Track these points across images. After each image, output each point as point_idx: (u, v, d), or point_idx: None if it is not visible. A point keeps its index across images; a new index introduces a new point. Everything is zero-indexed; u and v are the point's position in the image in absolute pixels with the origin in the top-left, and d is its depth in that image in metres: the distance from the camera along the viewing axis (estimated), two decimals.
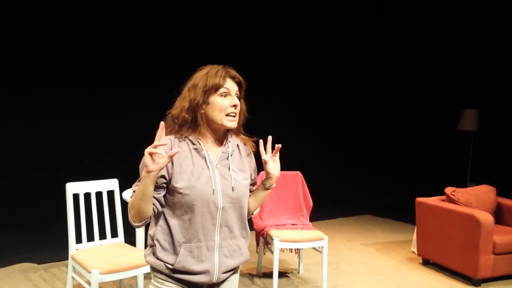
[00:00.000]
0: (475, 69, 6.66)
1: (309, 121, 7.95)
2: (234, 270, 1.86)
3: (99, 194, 3.44)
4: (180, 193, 1.69)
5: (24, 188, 5.66)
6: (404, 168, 7.71)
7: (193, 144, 1.76)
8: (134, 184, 1.76)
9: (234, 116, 1.76)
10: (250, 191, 1.95)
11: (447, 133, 6.95)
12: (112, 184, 3.53)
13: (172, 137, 1.75)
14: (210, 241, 1.74)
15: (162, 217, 1.76)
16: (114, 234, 3.51)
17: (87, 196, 3.37)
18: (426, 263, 4.79)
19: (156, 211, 1.73)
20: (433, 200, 4.70)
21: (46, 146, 5.80)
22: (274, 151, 1.85)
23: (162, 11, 6.41)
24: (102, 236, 3.43)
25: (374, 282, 4.27)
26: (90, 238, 3.37)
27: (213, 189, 1.72)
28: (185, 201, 1.70)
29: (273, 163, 1.86)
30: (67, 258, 3.35)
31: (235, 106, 1.75)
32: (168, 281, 1.75)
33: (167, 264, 1.73)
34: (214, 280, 1.77)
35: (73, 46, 5.87)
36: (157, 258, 1.75)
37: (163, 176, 1.71)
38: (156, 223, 1.77)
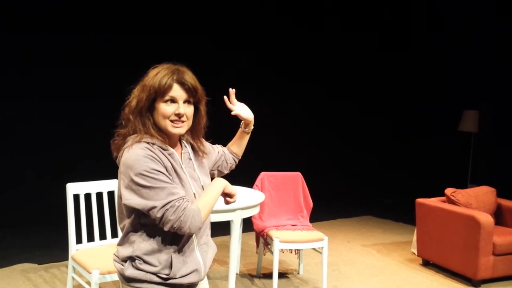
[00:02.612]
0: (475, 70, 6.66)
1: (309, 122, 7.95)
2: None
3: (99, 195, 3.44)
4: None
5: (25, 189, 5.67)
6: (404, 169, 7.71)
7: (165, 150, 1.68)
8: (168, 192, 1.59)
9: (180, 122, 1.67)
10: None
11: (447, 134, 6.96)
12: (113, 184, 3.53)
13: (143, 146, 1.63)
14: (190, 242, 1.73)
15: (143, 232, 1.67)
16: (115, 234, 3.51)
17: (88, 196, 3.37)
18: (426, 264, 4.79)
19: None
20: (433, 201, 4.70)
21: (46, 146, 5.80)
22: (230, 98, 2.00)
23: (159, 18, 6.43)
24: (103, 236, 3.44)
25: (374, 283, 4.27)
26: (91, 238, 3.37)
27: (194, 193, 1.72)
28: None
29: (240, 109, 2.01)
30: (67, 259, 3.35)
31: (178, 115, 1.66)
32: None
33: (159, 274, 1.66)
34: (202, 277, 1.77)
35: (73, 48, 5.88)
36: (141, 270, 1.66)
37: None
38: (134, 239, 1.69)
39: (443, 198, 4.72)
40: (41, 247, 4.87)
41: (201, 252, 1.76)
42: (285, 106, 7.48)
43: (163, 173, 1.61)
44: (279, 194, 4.29)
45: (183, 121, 1.68)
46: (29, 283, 3.94)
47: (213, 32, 6.76)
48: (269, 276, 4.22)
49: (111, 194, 3.51)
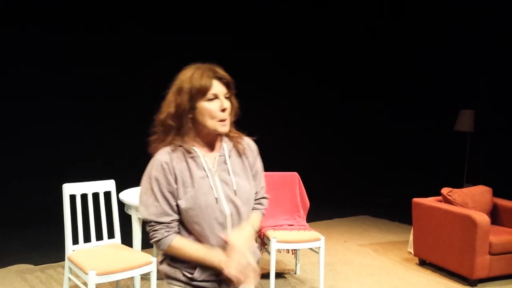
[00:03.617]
0: (471, 69, 6.68)
1: (306, 122, 7.95)
2: None
3: (96, 195, 3.43)
4: (184, 208, 1.65)
5: (21, 189, 5.65)
6: (400, 169, 7.73)
7: (189, 153, 1.69)
8: (150, 209, 1.67)
9: (225, 120, 1.69)
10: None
11: (443, 134, 6.97)
12: (109, 185, 3.52)
13: (168, 149, 1.69)
14: (223, 247, 1.68)
15: None
16: (111, 235, 3.50)
17: (84, 197, 3.36)
18: (423, 263, 4.80)
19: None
20: (430, 201, 4.71)
21: (43, 147, 5.79)
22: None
23: (161, 20, 6.43)
24: (99, 237, 3.43)
25: (371, 282, 4.28)
26: (87, 239, 3.36)
27: (215, 198, 1.67)
28: (190, 215, 1.66)
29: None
30: (63, 259, 3.34)
31: (224, 110, 1.67)
32: None
33: (185, 273, 1.69)
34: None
35: (70, 49, 5.87)
36: (173, 266, 1.72)
37: (171, 192, 1.68)
38: None
39: (440, 197, 4.72)
40: (37, 248, 4.85)
41: None
42: (281, 106, 7.48)
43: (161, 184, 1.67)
44: (276, 194, 4.29)
45: (227, 118, 1.69)
46: (25, 284, 3.92)
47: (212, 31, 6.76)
48: (266, 276, 4.22)
49: (107, 194, 3.50)
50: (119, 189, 3.64)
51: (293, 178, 4.35)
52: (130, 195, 3.68)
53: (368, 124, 8.27)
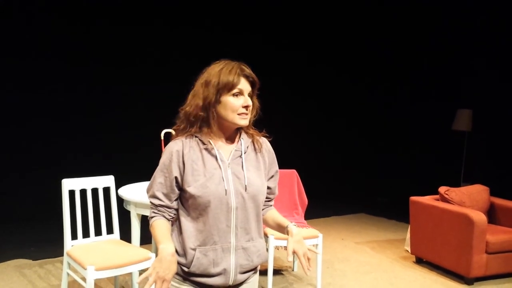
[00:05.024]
0: (469, 69, 6.69)
1: (305, 120, 7.96)
2: (253, 270, 1.83)
3: (95, 191, 3.44)
4: (193, 196, 1.67)
5: (20, 185, 5.65)
6: (398, 167, 7.74)
7: (203, 144, 1.72)
8: (153, 190, 1.76)
9: (246, 114, 1.73)
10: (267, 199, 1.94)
11: (441, 133, 6.99)
12: (108, 180, 3.53)
13: (183, 138, 1.74)
14: (226, 243, 1.71)
15: (176, 219, 1.77)
16: (110, 230, 3.51)
17: (83, 192, 3.37)
18: (420, 261, 4.82)
19: (173, 218, 1.79)
20: (427, 199, 4.73)
21: (42, 142, 5.79)
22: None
23: (162, 15, 6.42)
24: (98, 232, 3.44)
25: (368, 280, 4.30)
26: (86, 234, 3.37)
27: (225, 190, 1.69)
28: (198, 203, 1.67)
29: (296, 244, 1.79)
30: (62, 255, 3.35)
31: (247, 107, 1.72)
32: (185, 284, 1.73)
33: (182, 267, 1.71)
34: (230, 282, 1.74)
35: (72, 46, 5.87)
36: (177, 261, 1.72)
37: (176, 178, 1.71)
38: (172, 224, 1.79)
39: (437, 196, 4.74)
40: (36, 243, 4.86)
41: (237, 257, 1.74)
42: (281, 105, 7.48)
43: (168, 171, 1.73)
44: None
45: (247, 113, 1.74)
46: (24, 279, 3.93)
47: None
48: (264, 273, 4.23)
49: (106, 190, 3.51)
50: (118, 185, 3.65)
51: (291, 176, 4.36)
52: (129, 191, 3.69)
53: (367, 123, 8.28)
